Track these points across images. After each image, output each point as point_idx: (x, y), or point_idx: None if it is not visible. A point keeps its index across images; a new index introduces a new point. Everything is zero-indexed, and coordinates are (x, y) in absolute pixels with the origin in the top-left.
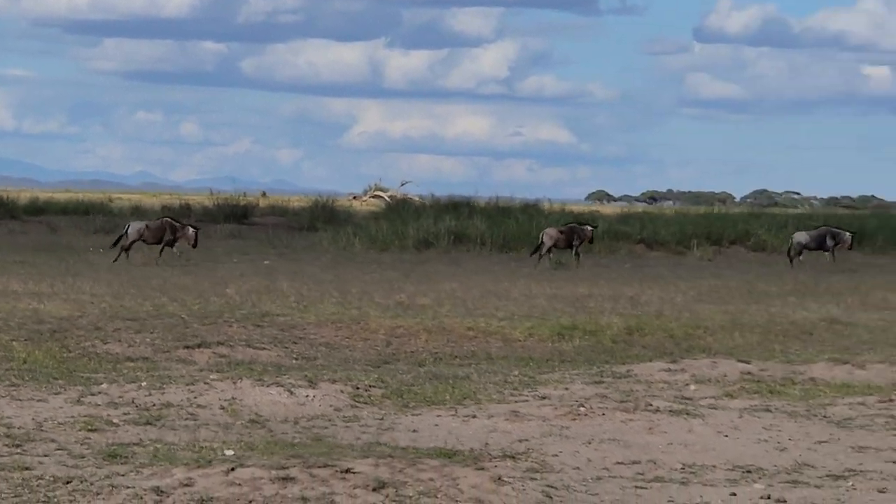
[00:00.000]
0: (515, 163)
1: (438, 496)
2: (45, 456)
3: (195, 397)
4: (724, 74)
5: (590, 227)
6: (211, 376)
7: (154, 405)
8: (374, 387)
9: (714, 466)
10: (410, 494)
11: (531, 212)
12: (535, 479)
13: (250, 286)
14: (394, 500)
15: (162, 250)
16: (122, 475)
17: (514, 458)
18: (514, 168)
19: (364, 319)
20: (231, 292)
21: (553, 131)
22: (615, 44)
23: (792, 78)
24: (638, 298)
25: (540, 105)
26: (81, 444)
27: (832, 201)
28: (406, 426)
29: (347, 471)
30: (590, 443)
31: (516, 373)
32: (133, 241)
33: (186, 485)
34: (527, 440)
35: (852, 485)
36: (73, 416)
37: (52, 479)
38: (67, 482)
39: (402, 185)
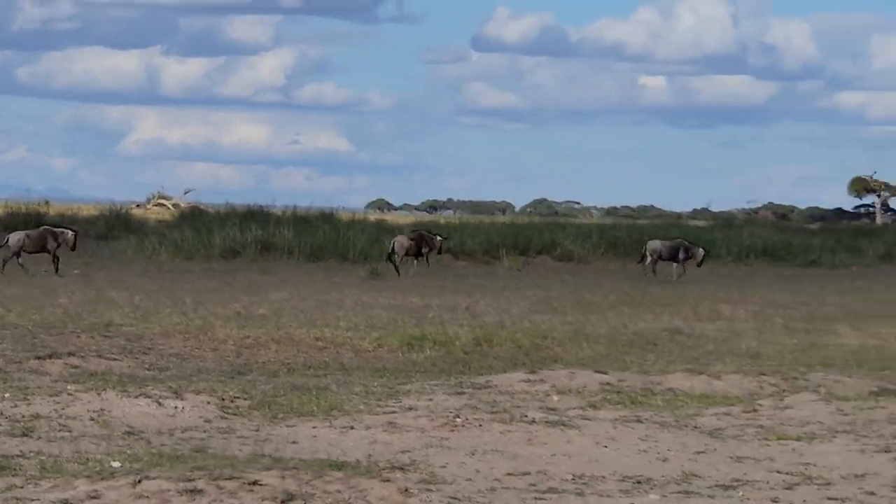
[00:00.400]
0: (293, 171)
1: None
2: None
3: (63, 409)
4: (502, 83)
5: (439, 237)
6: (69, 387)
7: (23, 416)
8: (238, 398)
9: (603, 477)
10: None
11: (333, 221)
12: (432, 490)
13: (81, 296)
14: None
15: (55, 259)
16: (21, 487)
17: (402, 469)
18: (293, 176)
19: (210, 329)
20: (65, 302)
21: (331, 139)
22: (393, 52)
23: (569, 87)
24: (474, 309)
25: (318, 113)
26: None
27: (612, 211)
28: (284, 437)
29: (255, 483)
30: (473, 454)
31: (376, 384)
32: (14, 253)
33: (93, 497)
34: (409, 451)
35: (743, 494)
36: None
37: None
38: None
39: (185, 193)
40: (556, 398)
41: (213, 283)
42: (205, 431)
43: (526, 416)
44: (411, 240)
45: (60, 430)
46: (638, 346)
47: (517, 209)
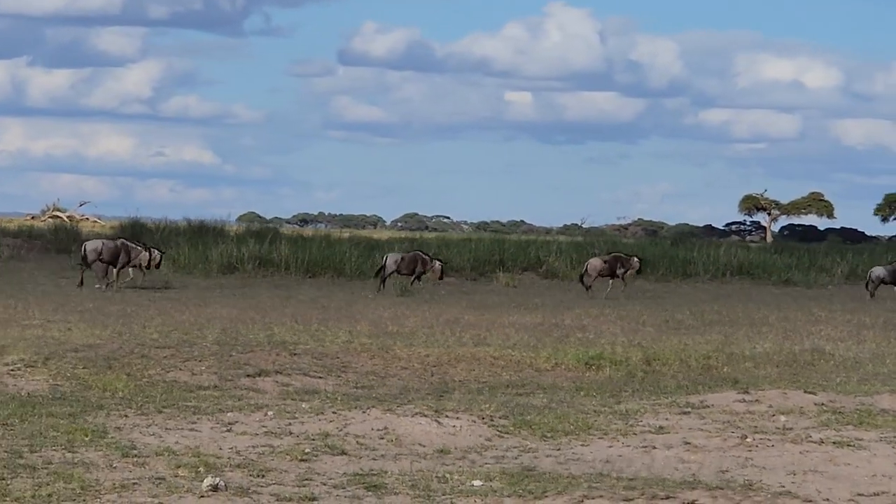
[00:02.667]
0: (158, 183)
1: None
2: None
3: (342, 427)
4: (369, 97)
5: (636, 258)
6: (305, 405)
7: (314, 434)
8: (498, 417)
9: None
10: None
11: (326, 238)
12: None
13: (221, 313)
14: None
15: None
16: None
17: (758, 489)
18: (158, 188)
19: (389, 349)
20: (188, 318)
21: (197, 152)
22: (261, 65)
23: (436, 102)
24: (581, 329)
25: (184, 126)
26: (348, 477)
27: (482, 226)
28: (592, 456)
29: (692, 502)
30: (794, 473)
31: (593, 403)
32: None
33: None
34: (728, 471)
35: None
36: (269, 446)
37: None
38: None
39: (81, 205)
40: (783, 418)
41: (274, 300)
42: (492, 449)
43: (811, 437)
44: (605, 262)
45: (366, 449)
46: (797, 366)
47: (387, 223)
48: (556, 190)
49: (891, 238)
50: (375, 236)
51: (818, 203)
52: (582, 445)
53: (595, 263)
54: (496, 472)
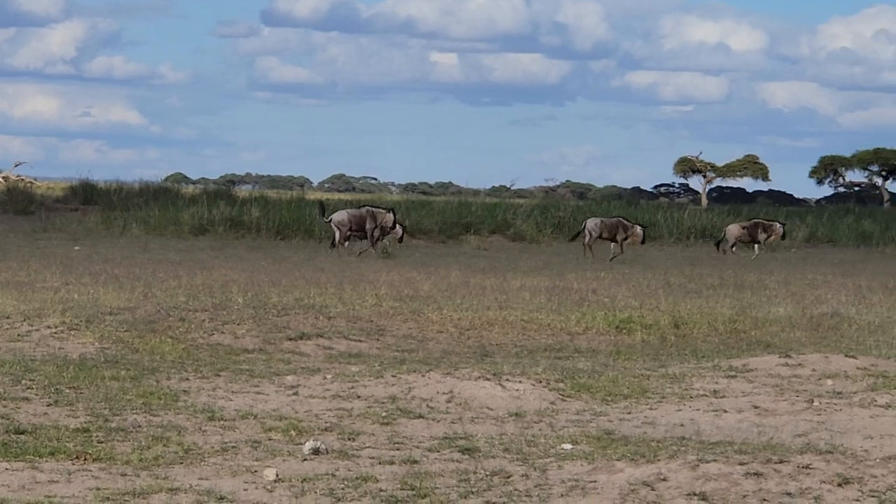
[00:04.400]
0: (84, 143)
1: None
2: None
3: (408, 391)
4: (295, 59)
5: (779, 223)
6: (353, 368)
7: (382, 398)
8: (555, 380)
9: None
10: (878, 489)
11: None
12: None
13: (233, 276)
14: (869, 495)
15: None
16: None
17: (841, 454)
18: (83, 149)
19: (420, 312)
20: (199, 281)
21: (123, 112)
22: (186, 25)
23: (362, 63)
24: (593, 292)
25: (109, 86)
26: (431, 438)
27: (410, 187)
28: (665, 420)
29: (808, 466)
30: (872, 437)
31: (639, 367)
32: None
33: (662, 479)
34: (805, 434)
35: None
36: (343, 409)
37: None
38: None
39: (16, 165)
40: (829, 382)
41: (267, 263)
42: (577, 413)
43: (876, 402)
44: (743, 228)
45: (439, 413)
46: (823, 329)
47: (315, 184)
48: (482, 151)
49: (819, 200)
50: (342, 198)
51: (753, 166)
52: (650, 409)
53: (733, 230)
54: (580, 436)
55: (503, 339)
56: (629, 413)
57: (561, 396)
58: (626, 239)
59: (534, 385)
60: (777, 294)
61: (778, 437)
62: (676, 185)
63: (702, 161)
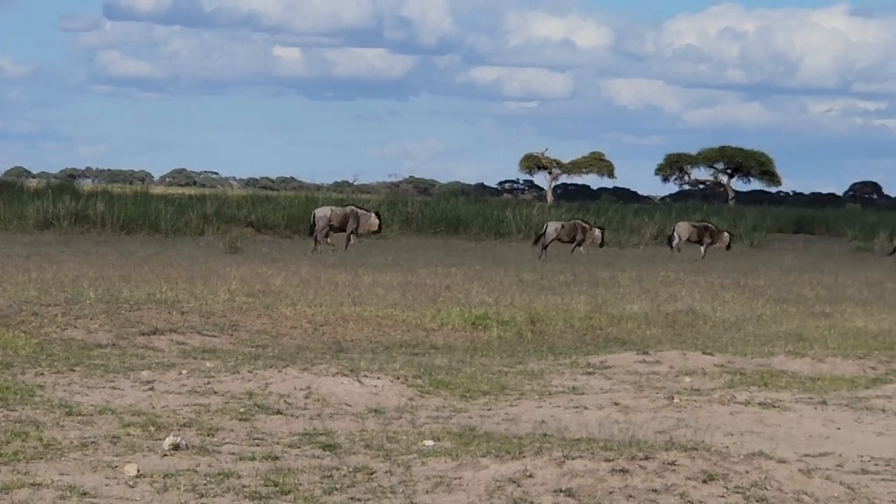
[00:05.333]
0: None
1: (768, 488)
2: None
3: (264, 387)
4: (137, 52)
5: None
6: (215, 364)
7: (240, 394)
8: (412, 377)
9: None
10: (742, 485)
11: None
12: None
13: (81, 271)
14: (734, 491)
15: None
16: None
17: (704, 449)
18: None
19: (274, 307)
20: (48, 277)
21: None
22: (28, 19)
23: (205, 57)
24: (447, 288)
25: None
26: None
27: (251, 182)
28: (526, 417)
29: (673, 463)
30: (731, 434)
31: (496, 364)
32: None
33: (528, 476)
34: (665, 432)
35: None
36: (200, 405)
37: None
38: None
39: None
40: (687, 379)
41: (117, 258)
42: (437, 410)
43: (735, 399)
44: (693, 227)
45: (297, 409)
46: (678, 326)
47: (156, 179)
48: (324, 146)
49: (664, 198)
50: (185, 193)
51: (599, 163)
52: (511, 406)
53: (684, 227)
54: (441, 433)
55: (358, 335)
56: (490, 410)
57: (420, 393)
58: (583, 241)
59: (392, 381)
60: (631, 291)
61: (641, 433)
62: (521, 182)
63: (547, 158)
